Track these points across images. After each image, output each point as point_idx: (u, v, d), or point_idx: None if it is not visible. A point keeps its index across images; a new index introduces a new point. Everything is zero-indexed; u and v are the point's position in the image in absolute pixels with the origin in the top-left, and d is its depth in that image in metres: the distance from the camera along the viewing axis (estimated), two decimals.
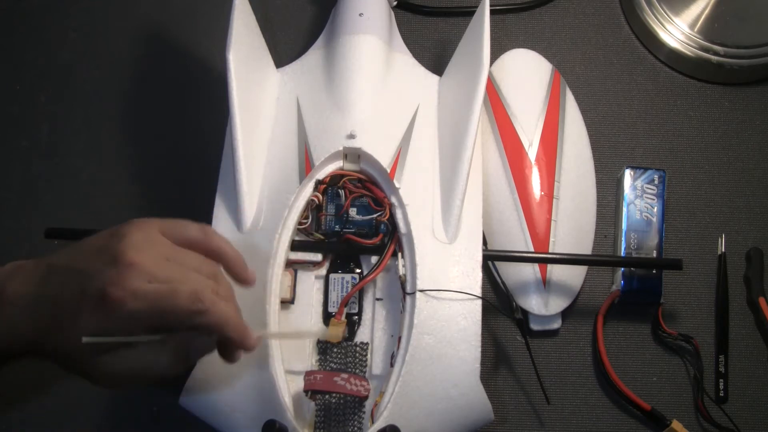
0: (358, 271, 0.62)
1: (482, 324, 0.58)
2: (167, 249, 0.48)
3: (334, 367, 0.59)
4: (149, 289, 0.45)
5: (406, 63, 0.69)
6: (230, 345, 0.48)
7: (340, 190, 0.62)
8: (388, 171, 0.61)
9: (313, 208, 0.61)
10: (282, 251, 0.59)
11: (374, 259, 0.61)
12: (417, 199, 0.61)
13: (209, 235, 0.50)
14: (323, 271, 0.62)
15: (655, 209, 0.68)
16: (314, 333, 0.59)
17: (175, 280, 0.46)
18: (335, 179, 0.62)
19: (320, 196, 0.61)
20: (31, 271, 0.48)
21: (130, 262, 0.45)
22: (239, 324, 0.47)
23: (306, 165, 0.62)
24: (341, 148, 0.62)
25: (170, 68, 0.75)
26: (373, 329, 0.60)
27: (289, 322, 0.60)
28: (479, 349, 0.57)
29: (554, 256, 0.64)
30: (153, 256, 0.46)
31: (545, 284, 0.65)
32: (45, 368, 0.50)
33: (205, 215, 0.61)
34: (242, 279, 0.51)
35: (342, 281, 0.61)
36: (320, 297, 0.61)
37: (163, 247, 0.48)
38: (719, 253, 0.68)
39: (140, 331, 0.46)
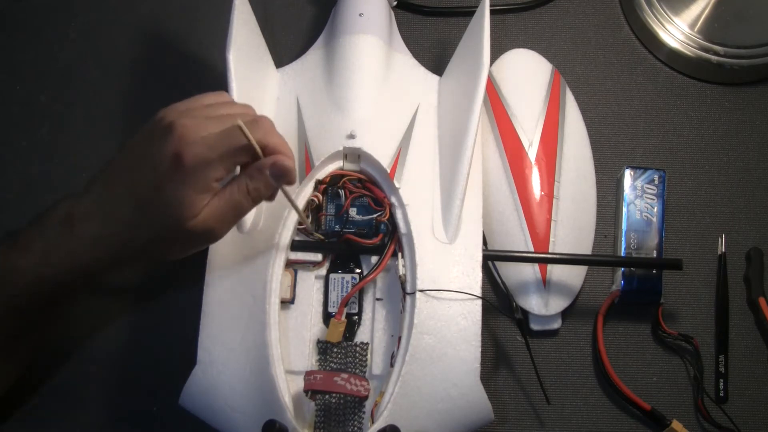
0: (358, 271, 0.62)
1: (482, 324, 0.58)
2: (203, 110, 0.52)
3: (334, 367, 0.59)
4: (216, 133, 0.50)
5: (406, 63, 0.69)
6: (283, 167, 0.51)
7: (340, 190, 0.62)
8: (388, 171, 0.61)
9: (313, 208, 0.61)
10: (282, 251, 0.59)
11: (374, 259, 0.61)
12: (417, 199, 0.61)
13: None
14: (323, 271, 0.62)
15: (655, 209, 0.68)
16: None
17: (230, 122, 0.50)
18: (335, 179, 0.62)
19: (320, 196, 0.61)
20: (90, 191, 0.53)
21: (183, 124, 0.50)
22: (287, 148, 0.52)
23: (306, 165, 0.62)
24: (341, 148, 0.62)
25: (170, 68, 0.75)
26: (373, 329, 0.60)
27: (289, 322, 0.60)
28: (479, 349, 0.57)
29: (554, 256, 0.64)
30: (197, 117, 0.51)
31: (545, 284, 0.65)
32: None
33: None
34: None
35: (342, 281, 0.61)
36: (320, 297, 0.61)
37: (198, 110, 0.52)
38: (719, 253, 0.68)
39: (220, 175, 0.50)
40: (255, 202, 0.52)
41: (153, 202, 0.50)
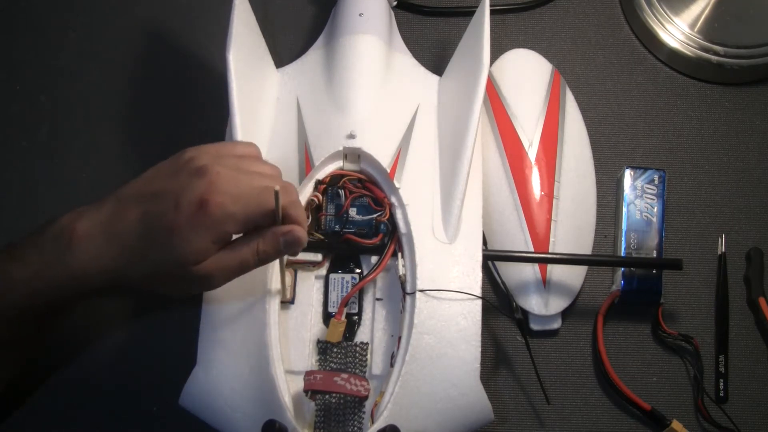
0: (358, 271, 0.62)
1: (482, 324, 0.58)
2: (234, 160, 0.53)
3: (334, 367, 0.59)
4: (245, 190, 0.50)
5: (406, 63, 0.69)
6: (298, 239, 0.52)
7: (340, 190, 0.62)
8: (388, 171, 0.61)
9: (313, 208, 0.61)
10: None
11: (374, 259, 0.61)
12: (417, 199, 0.61)
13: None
14: (323, 271, 0.62)
15: (655, 209, 0.68)
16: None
17: (259, 182, 0.51)
18: (335, 179, 0.62)
19: (320, 196, 0.61)
20: (97, 209, 0.52)
21: (217, 172, 0.50)
22: (305, 221, 0.53)
23: (306, 165, 0.62)
24: (341, 148, 0.62)
25: (170, 68, 0.75)
26: (373, 329, 0.60)
27: (289, 322, 0.60)
28: (479, 349, 0.57)
29: (554, 256, 0.64)
30: (229, 166, 0.51)
31: (545, 284, 0.65)
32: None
33: None
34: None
35: (342, 281, 0.61)
36: (320, 297, 0.61)
37: (230, 159, 0.52)
38: (719, 253, 0.68)
39: (237, 231, 0.51)
40: (261, 263, 0.52)
41: (164, 237, 0.49)
